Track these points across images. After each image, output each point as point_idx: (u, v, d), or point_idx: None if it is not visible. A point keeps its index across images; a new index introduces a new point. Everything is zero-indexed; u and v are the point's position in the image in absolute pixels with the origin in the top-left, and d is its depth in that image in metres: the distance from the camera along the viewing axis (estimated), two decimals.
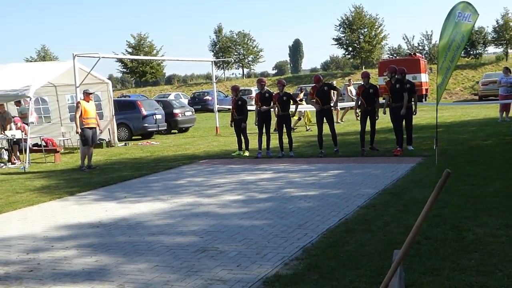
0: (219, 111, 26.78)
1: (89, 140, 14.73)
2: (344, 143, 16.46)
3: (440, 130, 15.72)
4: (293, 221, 7.59)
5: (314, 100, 14.29)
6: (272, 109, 15.01)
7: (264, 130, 15.04)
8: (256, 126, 15.21)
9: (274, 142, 15.83)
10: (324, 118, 14.37)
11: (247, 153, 15.56)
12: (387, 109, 14.07)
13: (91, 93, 15.11)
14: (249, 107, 16.45)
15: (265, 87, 15.35)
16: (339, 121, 23.06)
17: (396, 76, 13.67)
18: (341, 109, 25.42)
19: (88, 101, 14.88)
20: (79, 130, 14.62)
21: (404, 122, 13.85)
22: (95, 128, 14.97)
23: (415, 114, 14.45)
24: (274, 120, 15.29)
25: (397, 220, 7.13)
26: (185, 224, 7.83)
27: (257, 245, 6.50)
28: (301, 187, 10.17)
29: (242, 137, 15.68)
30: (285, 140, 15.03)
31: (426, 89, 39.05)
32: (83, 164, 14.71)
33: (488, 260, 5.36)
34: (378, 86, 14.77)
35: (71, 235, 7.63)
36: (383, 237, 6.41)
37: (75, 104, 15.85)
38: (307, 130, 22.21)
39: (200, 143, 20.25)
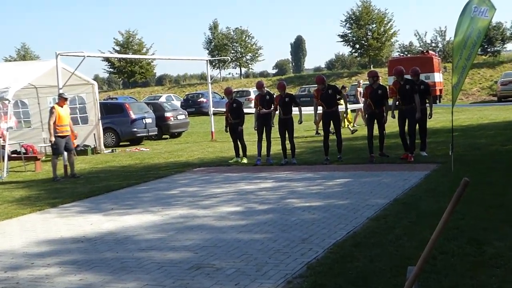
0: (214, 114, 26.81)
1: (61, 149, 14.68)
2: (352, 149, 16.45)
3: (456, 134, 15.74)
4: (296, 234, 7.56)
5: (318, 104, 14.33)
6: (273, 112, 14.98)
7: (264, 135, 15.02)
8: (255, 131, 15.20)
9: (275, 148, 15.82)
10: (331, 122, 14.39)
11: (245, 160, 15.54)
12: (396, 112, 14.07)
13: (66, 98, 15.05)
14: (247, 110, 16.45)
15: (266, 89, 15.37)
16: (350, 127, 22.82)
17: (405, 77, 13.68)
18: (352, 111, 25.24)
19: (62, 106, 14.82)
20: (53, 139, 14.52)
21: (417, 126, 13.85)
22: (69, 135, 14.92)
23: (430, 117, 14.47)
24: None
25: (410, 233, 7.10)
26: (178, 238, 7.80)
27: (257, 261, 6.47)
28: (304, 197, 10.14)
29: (239, 143, 15.68)
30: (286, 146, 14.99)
31: (440, 90, 39.16)
32: (56, 174, 14.65)
33: (510, 277, 5.33)
34: (387, 87, 14.75)
35: (53, 251, 7.59)
36: (395, 252, 6.39)
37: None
38: (352, 132, 22.00)
39: (194, 150, 20.23)
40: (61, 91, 15.96)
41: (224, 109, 16.22)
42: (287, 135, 14.66)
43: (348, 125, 22.99)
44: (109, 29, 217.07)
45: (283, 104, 14.58)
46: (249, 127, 16.02)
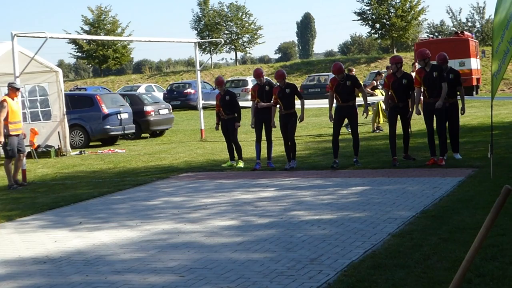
0: (204, 108, 26.85)
1: (15, 151, 14.66)
2: (371, 151, 16.49)
3: (496, 132, 15.79)
4: (303, 254, 7.59)
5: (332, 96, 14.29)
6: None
7: (263, 134, 15.04)
8: (253, 129, 15.23)
9: (277, 149, 15.86)
10: (346, 119, 14.39)
11: (241, 164, 15.57)
12: (421, 106, 14.11)
13: (18, 89, 15.02)
14: (244, 103, 16.46)
15: (265, 78, 15.36)
16: (376, 129, 22.66)
17: (431, 63, 13.65)
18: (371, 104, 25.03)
19: (13, 99, 14.80)
20: (2, 139, 14.48)
21: (448, 123, 13.87)
22: (21, 134, 14.94)
23: (462, 113, 14.49)
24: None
25: (440, 252, 7.14)
26: (160, 258, 7.82)
27: (256, 286, 6.50)
28: (313, 209, 10.17)
29: (233, 143, 15.68)
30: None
31: (478, 79, 39.25)
32: (11, 180, 14.66)
33: None
34: (413, 76, 14.76)
35: (9, 273, 7.60)
36: (422, 274, 6.42)
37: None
38: (373, 131, 21.93)
39: (179, 151, 20.26)
40: (11, 81, 15.84)
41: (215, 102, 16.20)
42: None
43: (384, 120, 22.79)
44: (76, 4, 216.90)
45: (283, 97, 14.50)
46: (246, 123, 16.02)
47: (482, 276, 6.16)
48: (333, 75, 14.43)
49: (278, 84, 14.74)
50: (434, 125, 13.78)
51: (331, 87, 14.33)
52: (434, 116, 13.66)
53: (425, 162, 14.04)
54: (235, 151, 15.77)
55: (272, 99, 14.74)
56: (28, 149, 17.54)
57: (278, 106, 14.72)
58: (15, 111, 14.71)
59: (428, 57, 13.56)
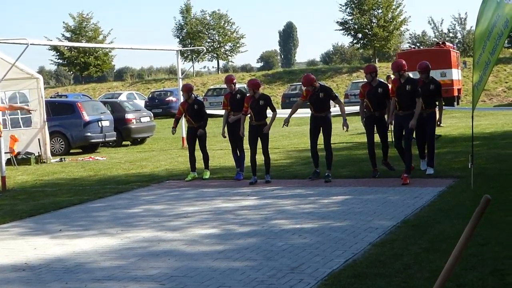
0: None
1: None
2: (352, 160, 16.53)
3: (476, 143, 15.85)
4: (284, 262, 7.60)
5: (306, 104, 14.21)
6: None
7: (235, 145, 14.94)
8: (225, 138, 15.14)
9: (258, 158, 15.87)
10: (320, 129, 14.18)
11: (207, 174, 15.46)
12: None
13: None
14: (215, 112, 16.25)
15: (237, 86, 15.29)
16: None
17: (409, 74, 13.58)
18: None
19: None
20: None
21: (423, 133, 13.78)
22: None
23: (439, 124, 14.44)
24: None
25: (421, 262, 7.17)
26: (140, 266, 7.80)
27: None
28: (294, 218, 10.19)
29: (201, 152, 15.39)
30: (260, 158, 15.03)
31: (459, 90, 39.46)
32: None
33: None
34: (388, 85, 14.71)
35: None
36: (402, 283, 6.44)
37: None
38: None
39: (160, 159, 20.23)
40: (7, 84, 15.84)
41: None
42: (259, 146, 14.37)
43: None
44: (58, 11, 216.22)
45: (256, 108, 14.14)
46: (215, 132, 15.83)
47: (462, 286, 6.20)
48: (365, 81, 14.30)
49: (250, 93, 14.27)
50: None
51: (305, 96, 14.24)
52: (403, 129, 13.38)
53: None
54: (202, 160, 15.51)
55: (243, 108, 14.33)
56: (8, 156, 17.43)
57: (248, 115, 14.34)
58: None
59: (404, 69, 13.30)
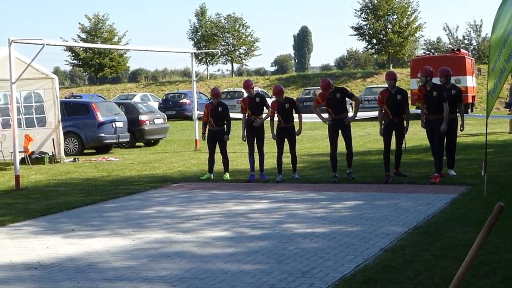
0: (199, 118, 26.78)
1: None
2: (365, 166, 16.50)
3: (490, 150, 15.80)
4: (295, 266, 7.60)
5: (324, 109, 14.35)
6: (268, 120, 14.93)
7: (255, 147, 15.05)
8: (245, 142, 15.26)
9: (271, 161, 15.86)
10: (340, 132, 14.39)
11: (227, 176, 15.53)
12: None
13: None
14: (238, 115, 16.37)
15: (255, 90, 15.40)
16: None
17: (432, 80, 13.68)
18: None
19: None
20: None
21: (445, 140, 13.87)
22: None
23: (462, 129, 14.51)
24: (268, 133, 15.09)
25: (431, 268, 7.16)
26: (152, 267, 7.82)
27: None
28: (306, 222, 10.19)
29: (221, 155, 15.55)
30: (287, 159, 15.05)
31: (473, 97, 39.30)
32: None
33: None
34: (408, 91, 14.78)
35: (0, 278, 7.60)
36: None
37: (9, 105, 15.79)
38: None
39: (173, 161, 20.26)
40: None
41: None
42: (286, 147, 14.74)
43: None
44: (74, 12, 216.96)
45: (283, 111, 14.64)
46: (237, 136, 15.89)
47: None
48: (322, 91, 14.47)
49: (276, 98, 14.82)
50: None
51: (320, 101, 14.45)
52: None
53: (419, 177, 14.10)
54: (222, 163, 15.65)
55: (269, 112, 14.85)
56: (22, 155, 17.50)
57: (276, 119, 14.82)
58: None
59: (431, 76, 13.59)
